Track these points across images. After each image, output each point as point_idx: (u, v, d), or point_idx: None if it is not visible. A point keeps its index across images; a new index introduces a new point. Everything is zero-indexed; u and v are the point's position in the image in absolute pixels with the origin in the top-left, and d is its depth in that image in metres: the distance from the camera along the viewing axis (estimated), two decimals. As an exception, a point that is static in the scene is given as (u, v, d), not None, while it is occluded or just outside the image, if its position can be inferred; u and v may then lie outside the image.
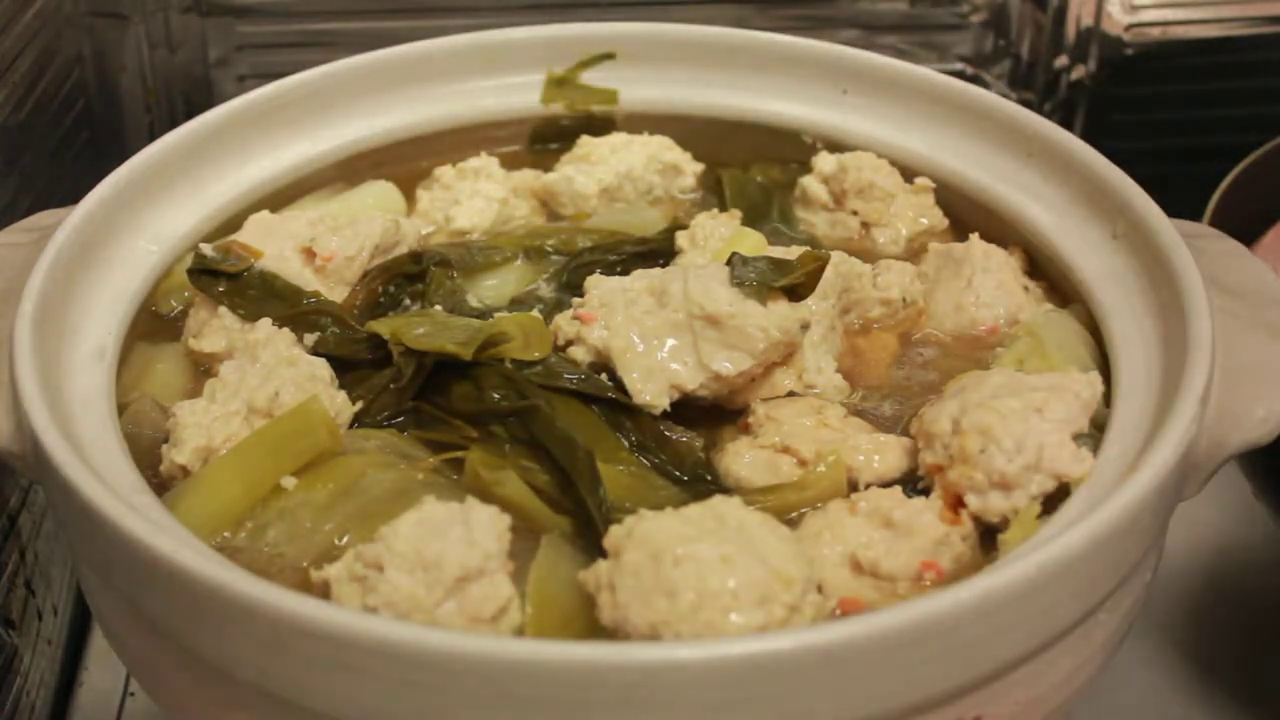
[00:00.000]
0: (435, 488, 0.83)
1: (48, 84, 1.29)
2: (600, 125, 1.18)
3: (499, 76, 1.17)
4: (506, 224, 1.11)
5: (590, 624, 0.75)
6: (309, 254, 0.99)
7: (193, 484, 0.83)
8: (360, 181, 1.12)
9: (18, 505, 1.10)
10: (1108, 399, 0.87)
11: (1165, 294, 0.89)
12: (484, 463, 0.85)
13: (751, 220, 1.07)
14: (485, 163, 1.13)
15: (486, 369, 0.89)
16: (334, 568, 0.76)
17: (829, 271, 0.93)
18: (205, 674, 0.75)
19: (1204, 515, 1.14)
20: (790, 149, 1.14)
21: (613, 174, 1.12)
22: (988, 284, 0.99)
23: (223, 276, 0.97)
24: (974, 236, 1.02)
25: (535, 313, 0.97)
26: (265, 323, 0.93)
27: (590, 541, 0.81)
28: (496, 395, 0.88)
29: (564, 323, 0.92)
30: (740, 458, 0.88)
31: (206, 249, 0.98)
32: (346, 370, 0.92)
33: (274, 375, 0.88)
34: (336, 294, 0.99)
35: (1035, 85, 1.48)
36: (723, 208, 1.09)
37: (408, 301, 1.00)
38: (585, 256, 1.03)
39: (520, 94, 1.17)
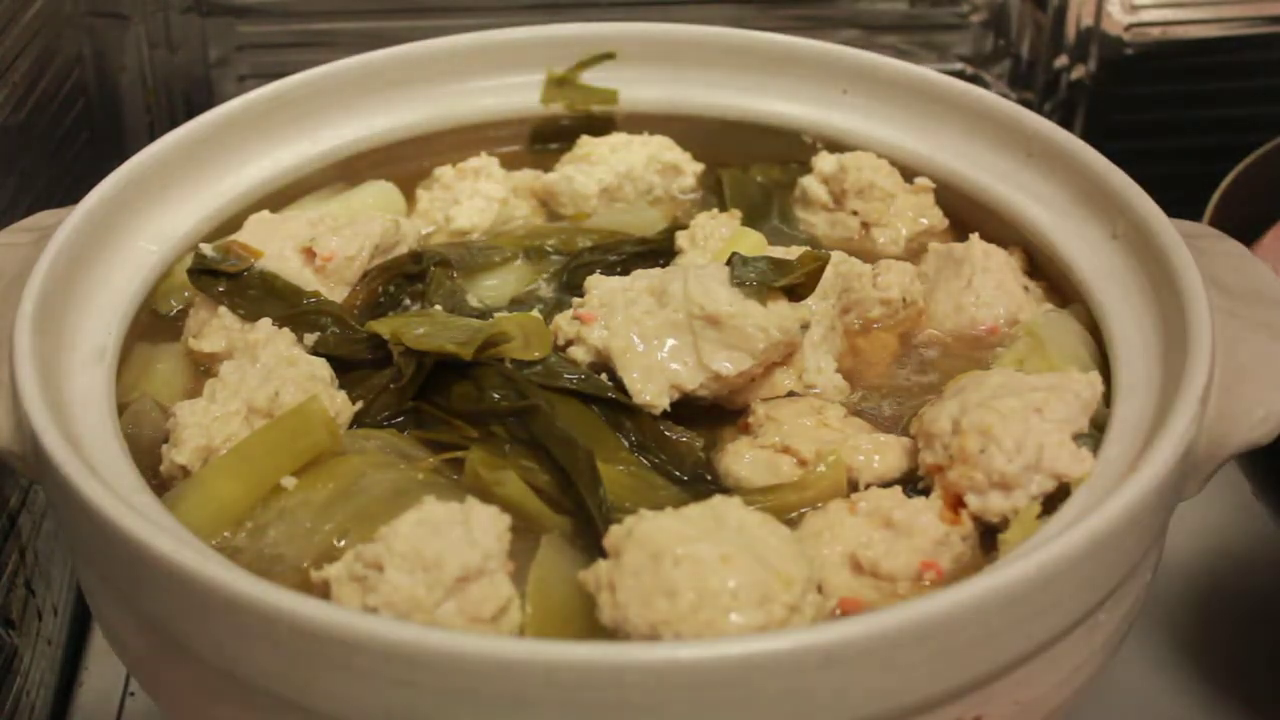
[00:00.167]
0: (435, 488, 0.83)
1: (48, 84, 1.29)
2: (600, 125, 1.18)
3: (499, 76, 1.17)
4: (506, 224, 1.11)
5: (590, 624, 0.75)
6: (309, 254, 0.99)
7: (193, 484, 0.83)
8: (360, 181, 1.12)
9: (18, 505, 1.10)
10: (1108, 399, 0.87)
11: (1165, 294, 0.89)
12: (484, 463, 0.85)
13: (751, 220, 1.07)
14: (485, 163, 1.13)
15: (486, 369, 0.89)
16: (334, 568, 0.76)
17: (829, 271, 0.93)
18: (205, 674, 0.75)
19: (1204, 515, 1.14)
20: (790, 149, 1.14)
21: (613, 174, 1.12)
22: (988, 284, 0.99)
23: (223, 276, 0.97)
24: (974, 236, 1.02)
25: (535, 313, 0.97)
26: (265, 323, 0.93)
27: (590, 541, 0.81)
28: (496, 395, 0.88)
29: (564, 323, 0.92)
30: (740, 458, 0.88)
31: (206, 249, 0.98)
32: (346, 370, 0.92)
33: (274, 375, 0.88)
34: (336, 294, 0.99)
35: (1035, 85, 1.48)
36: (723, 208, 1.09)
37: (408, 301, 1.00)
38: (585, 256, 1.03)
39: (520, 94, 1.17)
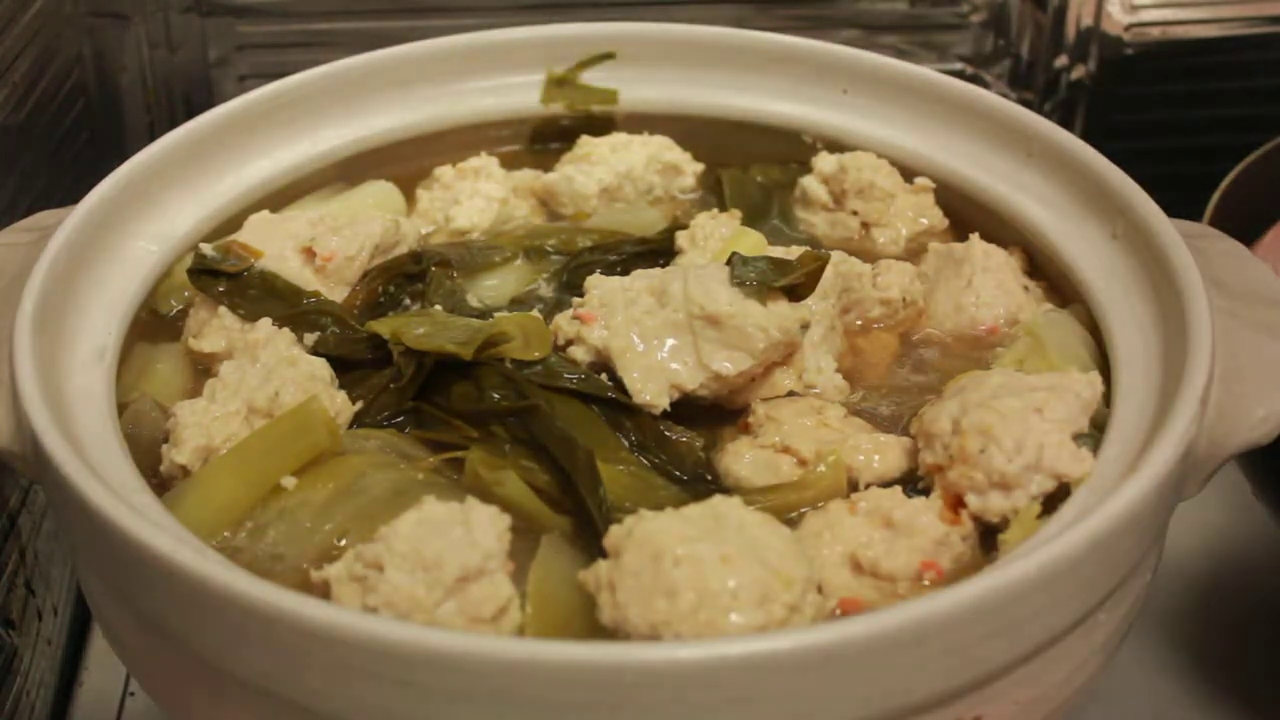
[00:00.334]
0: (435, 488, 0.83)
1: (48, 84, 1.29)
2: (600, 125, 1.18)
3: (499, 76, 1.17)
4: (506, 224, 1.11)
5: (590, 624, 0.75)
6: (309, 254, 0.99)
7: (193, 484, 0.83)
8: (360, 181, 1.12)
9: (18, 505, 1.10)
10: (1108, 399, 0.87)
11: (1165, 294, 0.89)
12: (484, 463, 0.85)
13: (751, 220, 1.07)
14: (485, 163, 1.13)
15: (486, 369, 0.89)
16: (334, 568, 0.76)
17: (829, 271, 0.93)
18: (205, 674, 0.75)
19: (1204, 515, 1.14)
20: (790, 149, 1.14)
21: (613, 174, 1.12)
22: (988, 284, 0.99)
23: (223, 276, 0.97)
24: (974, 236, 1.02)
25: (535, 313, 0.97)
26: (265, 323, 0.93)
27: (590, 541, 0.81)
28: (496, 395, 0.88)
29: (564, 323, 0.92)
30: (740, 458, 0.88)
31: (206, 249, 0.98)
32: (346, 370, 0.92)
33: (274, 375, 0.88)
34: (336, 294, 0.99)
35: (1035, 85, 1.48)
36: (723, 208, 1.09)
37: (408, 301, 1.00)
38: (585, 256, 1.03)
39: (520, 94, 1.17)
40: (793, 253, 0.95)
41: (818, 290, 0.92)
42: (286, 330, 0.93)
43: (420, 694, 0.68)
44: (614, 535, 0.76)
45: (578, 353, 0.91)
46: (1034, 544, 0.75)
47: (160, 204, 1.01)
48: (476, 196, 1.10)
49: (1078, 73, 1.46)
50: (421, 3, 1.41)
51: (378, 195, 1.11)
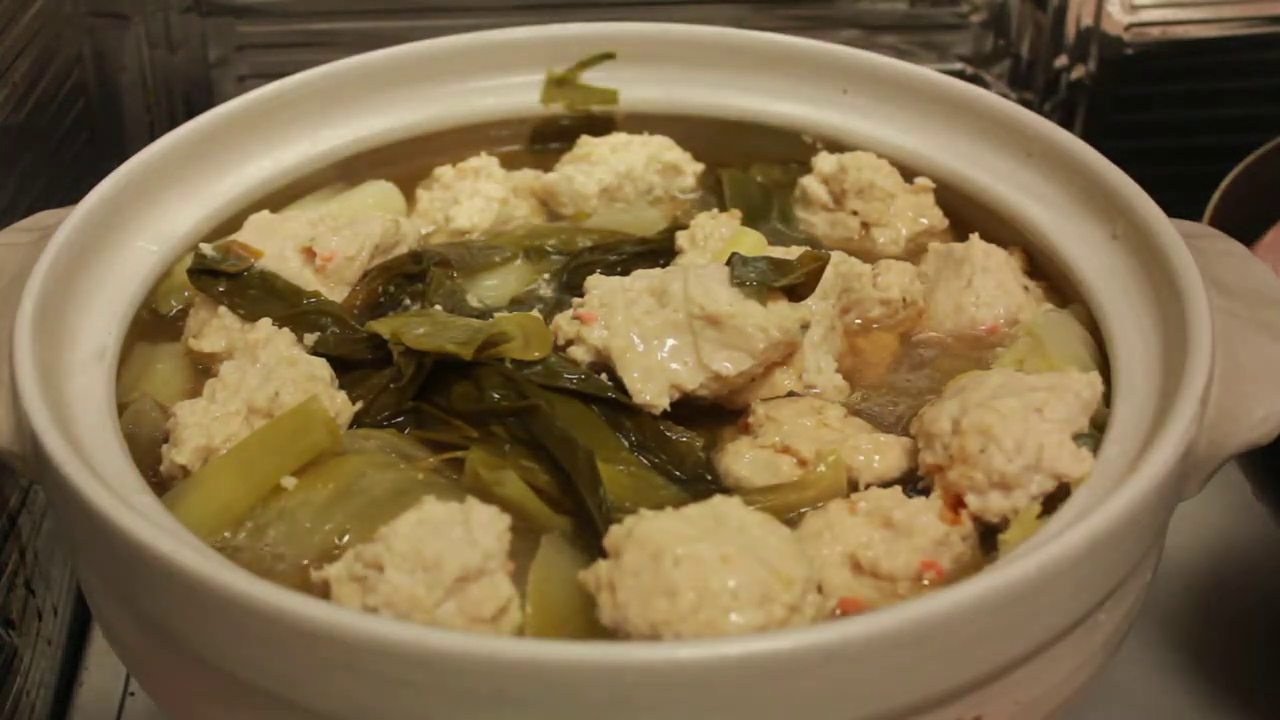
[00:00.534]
0: (435, 488, 0.83)
1: (48, 84, 1.29)
2: (600, 125, 1.18)
3: (499, 76, 1.17)
4: (506, 224, 1.11)
5: (590, 624, 0.75)
6: (309, 254, 0.99)
7: (193, 484, 0.83)
8: (360, 181, 1.12)
9: (18, 505, 1.10)
10: (1108, 399, 0.87)
11: (1165, 294, 0.89)
12: (484, 463, 0.85)
13: (751, 220, 1.07)
14: (485, 163, 1.13)
15: (486, 369, 0.89)
16: (334, 568, 0.76)
17: (829, 271, 0.93)
18: (205, 674, 0.75)
19: (1204, 515, 1.14)
20: (790, 149, 1.14)
21: (613, 174, 1.12)
22: (988, 284, 0.99)
23: (223, 276, 0.97)
24: (974, 236, 1.02)
25: (535, 313, 0.97)
26: (265, 323, 0.93)
27: (590, 541, 0.81)
28: (496, 395, 0.88)
29: (564, 323, 0.92)
30: (740, 458, 0.88)
31: (206, 249, 0.98)
32: (346, 370, 0.92)
33: (274, 375, 0.88)
34: (336, 294, 0.99)
35: (1035, 85, 1.48)
36: (723, 208, 1.09)
37: (408, 301, 1.00)
38: (585, 256, 1.03)
39: (520, 94, 1.17)
40: (793, 253, 0.95)
41: (818, 290, 0.92)
42: (286, 330, 0.93)
43: (420, 694, 0.68)
44: (614, 535, 0.76)
45: (578, 353, 0.91)
46: (1034, 544, 0.75)
47: (160, 204, 1.01)
48: (476, 196, 1.10)
49: (1078, 73, 1.46)
50: (421, 3, 1.41)
51: (378, 195, 1.11)
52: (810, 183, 1.10)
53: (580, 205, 1.12)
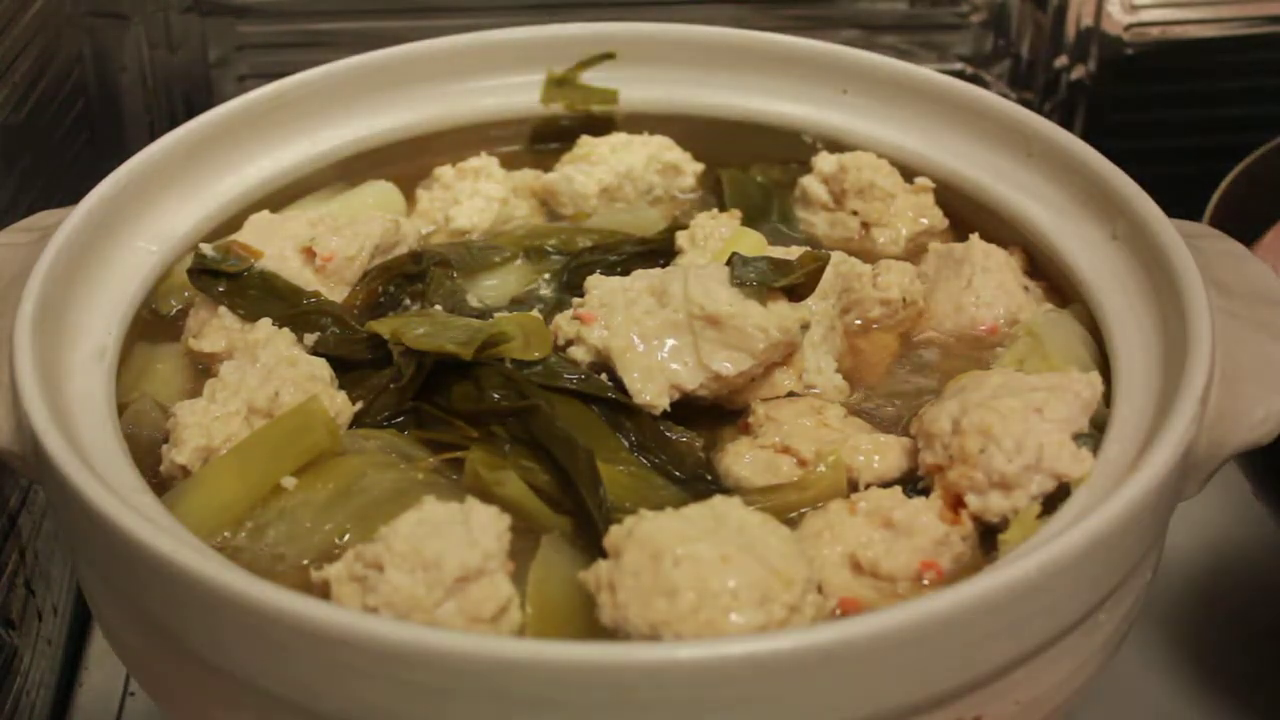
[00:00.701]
0: (435, 488, 0.83)
1: (48, 84, 1.29)
2: (600, 125, 1.18)
3: (499, 76, 1.17)
4: (506, 224, 1.11)
5: (590, 624, 0.75)
6: (309, 254, 0.99)
7: (193, 484, 0.83)
8: (360, 181, 1.12)
9: (18, 505, 1.10)
10: (1108, 399, 0.87)
11: (1165, 294, 0.89)
12: (484, 463, 0.85)
13: (751, 220, 1.07)
14: (485, 163, 1.13)
15: (487, 369, 0.89)
16: (334, 568, 0.76)
17: (829, 271, 0.93)
18: (205, 674, 0.75)
19: (1204, 515, 1.14)
20: (790, 149, 1.14)
21: (613, 174, 1.12)
22: (988, 284, 0.99)
23: (223, 276, 0.97)
24: (974, 236, 1.02)
25: (535, 313, 0.97)
26: (265, 323, 0.93)
27: (590, 541, 0.81)
28: (497, 395, 0.88)
29: (564, 323, 0.92)
30: (740, 458, 0.88)
31: (206, 249, 0.98)
32: (346, 370, 0.92)
33: (274, 375, 0.88)
34: (336, 294, 0.99)
35: (1035, 85, 1.48)
36: (723, 208, 1.09)
37: (408, 301, 1.00)
38: (585, 256, 1.03)
39: (520, 94, 1.17)
40: (793, 253, 0.95)
41: (818, 290, 0.92)
42: (286, 330, 0.93)
43: (420, 694, 0.68)
44: (614, 535, 0.76)
45: (578, 353, 0.91)
46: (1034, 544, 0.75)
47: (160, 204, 1.01)
48: (476, 196, 1.10)
49: (1078, 73, 1.46)
50: (421, 3, 1.41)
51: (378, 195, 1.11)
52: (810, 183, 1.10)
53: (580, 205, 1.12)
